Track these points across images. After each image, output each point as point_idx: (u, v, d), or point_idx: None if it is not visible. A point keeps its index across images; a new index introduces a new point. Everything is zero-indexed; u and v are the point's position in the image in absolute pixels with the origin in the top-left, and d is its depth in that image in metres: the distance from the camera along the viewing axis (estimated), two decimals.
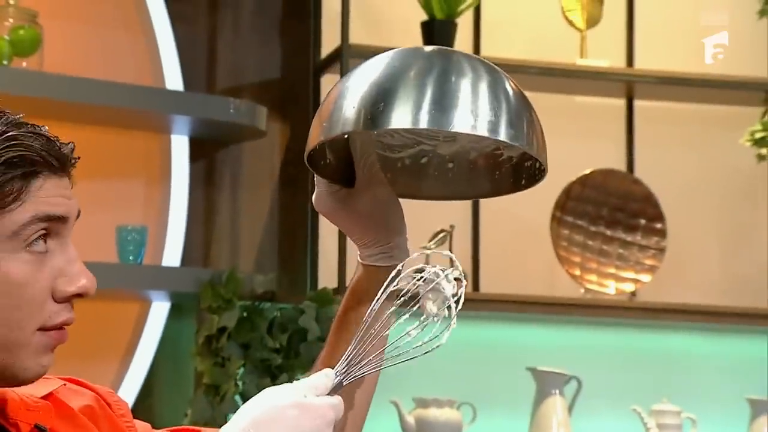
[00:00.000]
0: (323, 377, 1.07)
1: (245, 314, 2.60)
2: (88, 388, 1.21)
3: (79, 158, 1.09)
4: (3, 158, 1.02)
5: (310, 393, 1.05)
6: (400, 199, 1.25)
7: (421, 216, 2.89)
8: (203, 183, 2.81)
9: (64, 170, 1.06)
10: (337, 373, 1.06)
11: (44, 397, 1.14)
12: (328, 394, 1.07)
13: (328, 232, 2.85)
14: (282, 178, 2.95)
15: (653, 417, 2.88)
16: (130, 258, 2.53)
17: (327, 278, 2.81)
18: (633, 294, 3.02)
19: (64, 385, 1.17)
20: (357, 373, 1.06)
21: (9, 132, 1.03)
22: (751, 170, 3.10)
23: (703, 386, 3.11)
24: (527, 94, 1.21)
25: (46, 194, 1.05)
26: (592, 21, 3.08)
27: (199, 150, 2.75)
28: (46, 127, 1.07)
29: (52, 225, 1.05)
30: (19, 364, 1.05)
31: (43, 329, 1.05)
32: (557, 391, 2.86)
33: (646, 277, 3.03)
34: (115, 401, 1.22)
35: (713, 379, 3.12)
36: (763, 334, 3.06)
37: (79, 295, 1.06)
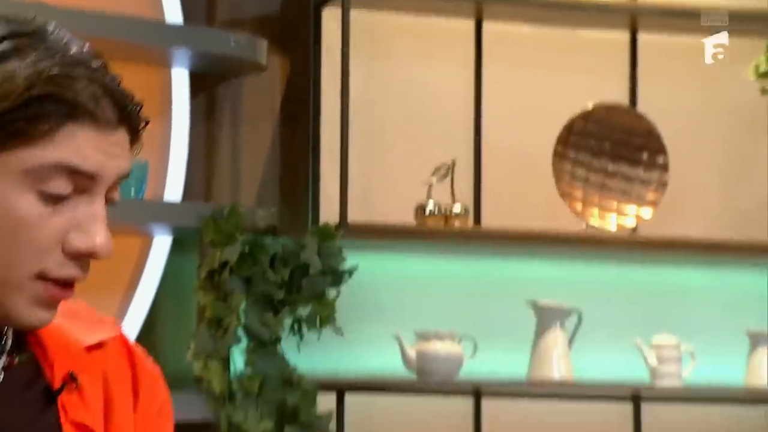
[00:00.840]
0: None
1: (247, 249, 2.63)
2: (132, 362, 1.15)
3: (147, 122, 1.03)
4: (39, 91, 0.98)
5: None
6: None
7: (423, 150, 3.04)
8: (204, 118, 2.84)
9: (115, 126, 1.01)
10: None
11: (91, 346, 1.11)
12: None
13: (329, 167, 2.89)
14: (282, 113, 2.95)
15: (653, 350, 2.93)
16: (132, 193, 2.56)
17: (328, 213, 2.84)
18: (634, 228, 3.04)
19: (119, 336, 1.15)
20: None
21: (58, 67, 0.99)
22: (754, 103, 3.09)
23: (703, 319, 3.12)
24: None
25: (79, 144, 1.00)
26: None
27: (199, 84, 2.76)
28: (119, 76, 1.02)
29: (77, 178, 1.01)
30: (13, 307, 1.03)
31: (42, 277, 1.02)
32: (558, 325, 2.90)
33: (647, 211, 3.03)
34: (160, 403, 1.13)
35: (713, 312, 3.13)
36: (763, 267, 3.10)
37: (89, 255, 1.02)
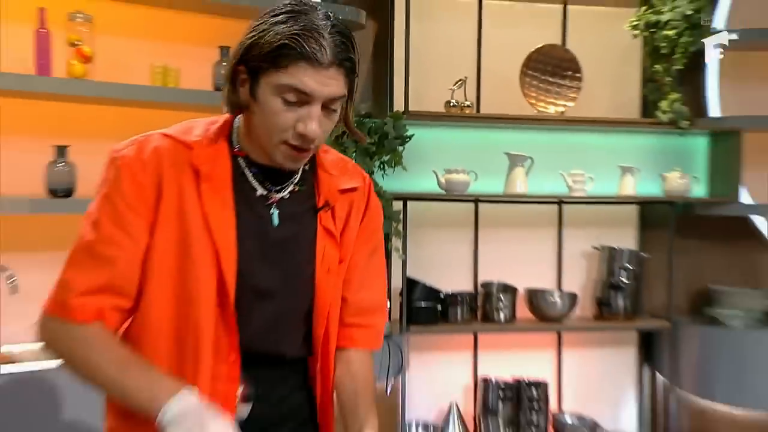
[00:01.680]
0: None
1: (355, 124, 2.59)
2: (368, 201, 1.35)
3: (357, 66, 1.20)
4: (283, 43, 1.25)
5: None
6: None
7: (449, 71, 3.68)
8: None
9: (328, 66, 1.25)
10: None
11: (347, 189, 1.39)
12: None
13: (399, 80, 3.54)
14: (374, 52, 3.64)
15: (570, 177, 3.73)
16: None
17: (398, 105, 3.55)
18: (563, 113, 3.75)
19: (366, 185, 1.38)
20: None
21: (300, 31, 1.21)
22: (630, 43, 3.86)
23: (598, 160, 3.87)
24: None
25: (302, 75, 1.27)
26: None
27: None
28: (344, 36, 1.20)
29: (300, 95, 1.27)
30: (276, 159, 1.33)
31: (285, 144, 1.33)
32: (520, 165, 3.62)
33: (571, 104, 3.78)
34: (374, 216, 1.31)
35: (603, 156, 3.86)
36: (633, 133, 3.87)
37: (305, 136, 1.28)
